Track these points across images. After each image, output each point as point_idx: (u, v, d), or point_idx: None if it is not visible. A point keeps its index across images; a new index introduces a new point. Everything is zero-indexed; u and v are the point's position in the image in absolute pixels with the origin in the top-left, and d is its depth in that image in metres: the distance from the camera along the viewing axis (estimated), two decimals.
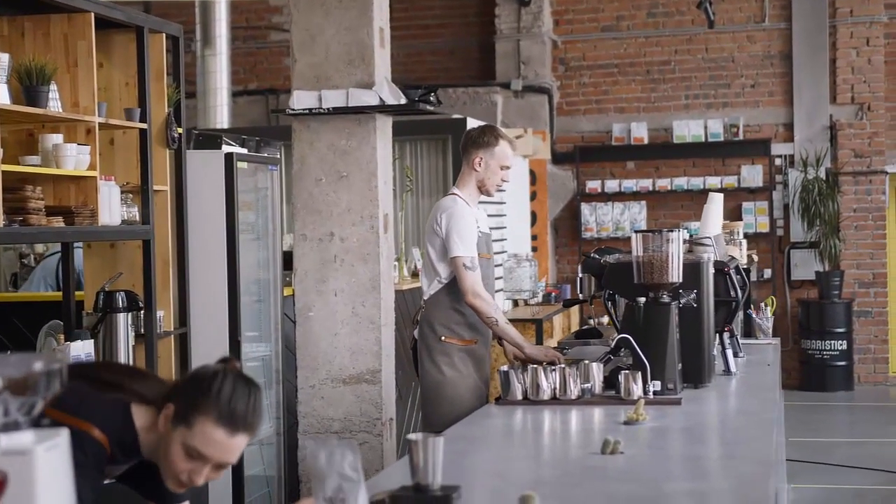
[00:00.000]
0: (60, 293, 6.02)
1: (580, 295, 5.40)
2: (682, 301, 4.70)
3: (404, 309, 7.58)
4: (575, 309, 11.32)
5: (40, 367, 1.85)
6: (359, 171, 5.75)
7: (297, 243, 5.85)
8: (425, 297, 5.54)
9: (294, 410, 6.06)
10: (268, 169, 7.14)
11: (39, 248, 8.44)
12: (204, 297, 6.46)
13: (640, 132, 13.20)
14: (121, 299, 5.72)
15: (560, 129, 13.46)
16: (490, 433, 4.08)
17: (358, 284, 5.76)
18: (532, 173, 12.64)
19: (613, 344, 4.63)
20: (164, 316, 6.14)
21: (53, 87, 5.24)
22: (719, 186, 12.75)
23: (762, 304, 6.77)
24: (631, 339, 4.50)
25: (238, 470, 6.59)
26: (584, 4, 13.45)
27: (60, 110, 5.30)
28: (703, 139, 13.06)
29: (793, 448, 9.08)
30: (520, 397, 4.46)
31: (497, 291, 10.18)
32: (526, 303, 10.68)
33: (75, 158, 5.30)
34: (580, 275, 5.33)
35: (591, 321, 10.24)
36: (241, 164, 6.68)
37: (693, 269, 4.74)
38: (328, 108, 5.71)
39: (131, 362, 5.78)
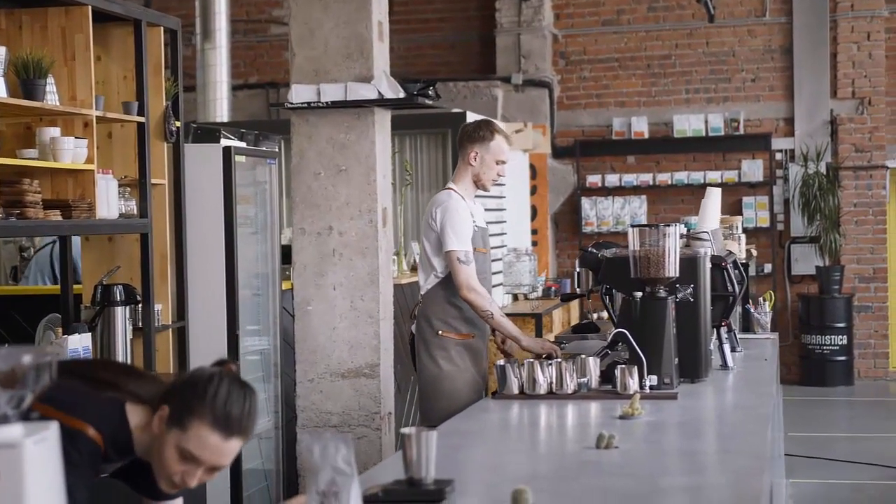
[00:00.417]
0: (59, 287, 6.02)
1: (577, 289, 5.40)
2: (679, 296, 4.70)
3: (403, 303, 7.57)
4: (575, 303, 11.33)
5: (29, 360, 1.85)
6: (357, 165, 5.75)
7: (295, 237, 5.85)
8: (422, 292, 5.54)
9: (292, 404, 6.06)
10: (266, 163, 7.13)
11: (39, 241, 8.45)
12: (202, 291, 6.46)
13: (641, 126, 13.19)
14: (119, 293, 5.71)
15: (560, 123, 13.46)
16: (486, 427, 4.08)
17: (356, 278, 5.76)
18: (532, 167, 12.63)
19: (610, 338, 4.63)
20: (162, 309, 6.14)
21: (51, 80, 5.23)
22: (720, 181, 12.75)
23: (760, 299, 6.76)
24: (627, 333, 4.50)
25: (236, 464, 6.59)
26: None
27: (58, 104, 5.30)
28: (704, 134, 13.05)
29: (792, 443, 9.08)
30: (516, 392, 4.46)
31: (497, 286, 10.19)
32: (526, 297, 10.68)
33: (73, 152, 5.30)
34: (577, 269, 5.33)
35: (592, 315, 10.25)
36: (240, 158, 6.67)
37: (690, 264, 4.74)
38: (327, 102, 5.70)
39: (129, 355, 5.79)
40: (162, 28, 6.21)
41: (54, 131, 5.31)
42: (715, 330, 5.21)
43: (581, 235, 13.06)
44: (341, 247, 5.76)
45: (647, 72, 13.35)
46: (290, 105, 5.76)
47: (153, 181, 6.01)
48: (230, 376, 2.82)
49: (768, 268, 12.87)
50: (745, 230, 11.86)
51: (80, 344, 5.42)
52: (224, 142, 6.83)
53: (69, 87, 5.45)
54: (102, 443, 2.76)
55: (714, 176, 12.86)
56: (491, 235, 10.09)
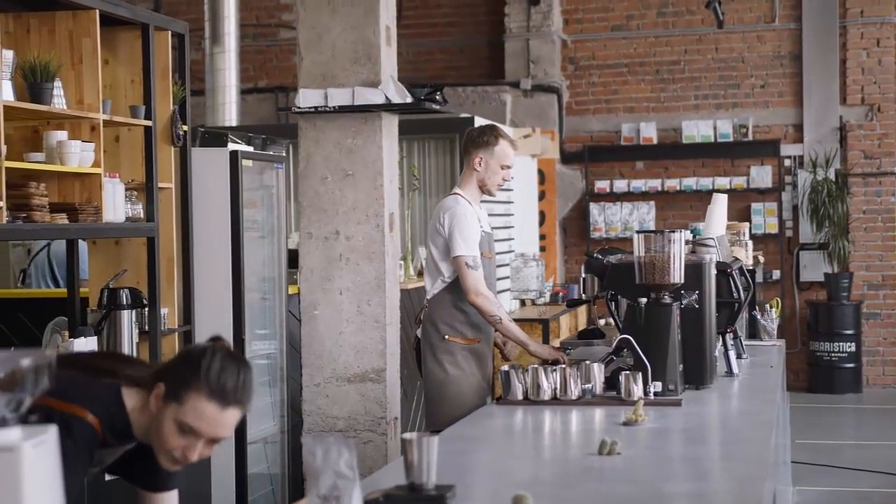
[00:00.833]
0: (65, 290, 6.03)
1: (583, 295, 5.40)
2: (684, 302, 4.69)
3: (410, 308, 7.58)
4: (582, 309, 11.30)
5: (28, 363, 1.85)
6: (364, 170, 5.75)
7: (302, 241, 5.85)
8: (428, 297, 5.55)
9: (298, 409, 6.07)
10: (273, 167, 7.14)
11: (35, 246, 8.47)
12: (208, 295, 6.47)
13: (650, 132, 13.18)
14: (125, 296, 5.73)
15: (569, 128, 13.45)
16: (489, 433, 4.08)
17: (363, 283, 5.76)
18: (541, 173, 12.63)
19: (614, 345, 4.62)
20: (169, 313, 6.15)
21: (58, 83, 5.25)
22: (728, 187, 12.73)
23: (767, 306, 6.74)
24: (632, 339, 4.49)
25: (241, 468, 6.60)
26: (593, 4, 13.43)
27: (65, 107, 5.31)
28: (713, 139, 13.03)
29: (799, 450, 9.06)
30: (520, 397, 4.46)
31: (504, 291, 10.18)
32: (533, 302, 10.67)
33: (79, 155, 5.31)
34: (583, 275, 5.33)
35: (601, 321, 10.24)
36: (247, 162, 6.68)
37: (695, 270, 4.74)
38: (334, 107, 5.70)
39: None
40: (170, 32, 6.23)
41: (61, 135, 5.33)
42: (720, 336, 5.20)
43: (589, 241, 13.04)
44: (348, 251, 5.76)
45: (656, 77, 13.34)
46: (297, 109, 5.77)
47: (160, 185, 6.02)
48: (223, 350, 2.86)
49: (777, 274, 12.85)
50: (753, 236, 11.87)
51: (86, 347, 5.43)
52: (231, 146, 6.84)
53: (76, 91, 5.47)
54: (100, 427, 2.79)
55: (723, 182, 12.84)
56: (499, 241, 10.13)
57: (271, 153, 7.47)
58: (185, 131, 6.23)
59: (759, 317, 6.64)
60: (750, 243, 6.99)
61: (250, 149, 7.11)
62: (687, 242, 5.04)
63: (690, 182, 13.01)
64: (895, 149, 12.86)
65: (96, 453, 2.84)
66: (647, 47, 13.36)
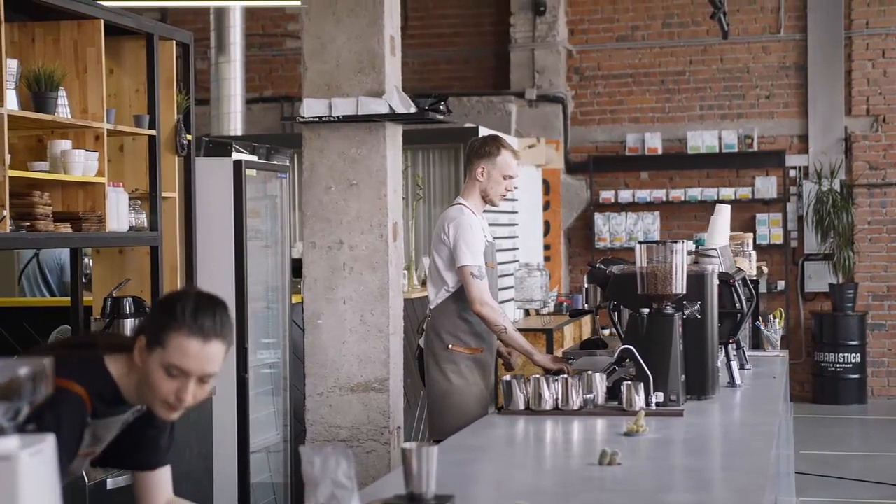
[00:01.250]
0: (69, 299, 6.04)
1: (586, 305, 5.40)
2: (686, 312, 4.69)
3: (413, 317, 7.57)
4: (587, 319, 11.30)
5: (26, 371, 1.86)
6: (368, 180, 5.75)
7: (306, 251, 5.86)
8: (432, 306, 5.55)
9: (301, 418, 6.07)
10: (278, 176, 7.15)
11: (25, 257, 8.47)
12: None
13: (655, 142, 13.18)
14: (128, 305, 5.73)
15: (574, 138, 13.46)
16: (490, 443, 4.08)
17: (367, 293, 5.76)
18: (546, 183, 12.63)
19: (616, 355, 4.62)
20: None
21: (62, 93, 5.26)
22: (733, 197, 12.73)
23: (770, 316, 6.74)
24: (634, 350, 4.49)
25: (244, 477, 6.60)
26: (599, 14, 13.45)
27: (69, 116, 5.33)
28: (718, 150, 13.03)
29: (804, 461, 9.05)
30: (522, 407, 4.45)
31: (508, 301, 10.18)
32: (537, 312, 10.67)
33: (83, 164, 5.32)
34: (586, 285, 5.33)
35: (605, 331, 10.24)
36: (251, 172, 6.69)
37: (697, 281, 4.74)
38: (338, 116, 5.71)
39: None
40: (174, 42, 6.24)
41: (65, 144, 5.34)
42: (723, 347, 5.20)
43: (594, 251, 13.04)
44: (352, 261, 5.76)
45: (662, 88, 13.35)
46: (301, 119, 5.77)
47: (164, 194, 6.04)
48: (196, 292, 2.91)
49: (781, 285, 12.84)
50: (758, 247, 11.86)
51: None
52: (236, 155, 6.85)
53: (81, 100, 5.49)
54: (87, 396, 2.82)
55: (728, 192, 12.84)
56: (503, 250, 10.14)
57: (275, 162, 7.48)
58: (189, 140, 6.24)
59: (762, 327, 6.63)
60: (754, 254, 6.98)
61: (254, 158, 7.12)
62: (689, 253, 5.04)
63: (695, 192, 13.01)
64: None
65: (90, 426, 2.86)
66: (652, 58, 13.37)
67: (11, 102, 4.97)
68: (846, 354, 12.45)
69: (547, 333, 9.34)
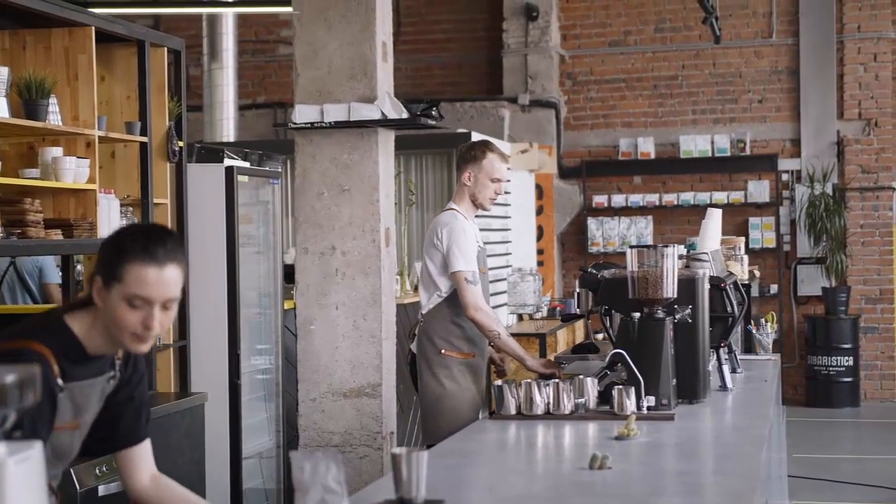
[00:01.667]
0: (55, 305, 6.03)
1: (577, 310, 5.41)
2: (677, 316, 4.70)
3: (406, 322, 7.58)
4: (581, 323, 11.32)
5: (12, 378, 1.86)
6: (361, 185, 5.76)
7: (298, 257, 5.86)
8: (424, 311, 5.56)
9: (294, 424, 6.07)
10: (269, 182, 7.15)
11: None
12: (204, 310, 6.48)
13: (647, 147, 13.20)
14: None
15: (567, 143, 13.47)
16: (482, 448, 4.08)
17: (359, 298, 5.76)
18: (539, 188, 12.65)
19: (608, 359, 4.63)
20: None
21: (53, 100, 5.27)
22: (726, 202, 12.75)
23: (762, 320, 6.75)
24: (625, 354, 4.49)
25: (237, 483, 6.60)
26: (591, 19, 13.47)
27: (60, 123, 5.33)
28: (710, 154, 13.06)
29: (797, 464, 9.05)
30: (513, 412, 4.46)
31: (501, 306, 10.19)
32: (531, 317, 10.68)
33: (74, 171, 5.32)
34: (577, 290, 5.34)
35: (599, 336, 10.25)
36: (242, 178, 6.70)
37: (688, 285, 4.74)
38: (330, 122, 5.72)
39: None
40: (166, 48, 6.25)
41: (56, 151, 5.34)
42: (714, 351, 5.21)
43: (587, 255, 13.05)
44: (344, 266, 5.77)
45: (654, 92, 13.37)
46: (293, 125, 5.78)
47: (156, 201, 6.04)
48: (140, 224, 3.02)
49: (774, 288, 12.86)
50: (751, 251, 11.88)
51: None
52: (228, 161, 6.85)
53: (72, 107, 5.49)
54: (52, 355, 2.84)
55: (720, 196, 12.86)
56: (496, 255, 10.15)
57: (267, 169, 7.48)
58: (180, 147, 6.25)
59: (754, 331, 6.64)
60: (745, 258, 6.99)
61: (246, 164, 7.12)
62: (681, 257, 5.05)
63: (688, 196, 13.03)
64: (892, 163, 12.88)
65: (64, 391, 2.86)
66: (644, 62, 13.39)
67: (2, 110, 4.98)
68: (839, 358, 12.47)
69: (540, 338, 9.35)
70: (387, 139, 5.90)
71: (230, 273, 6.56)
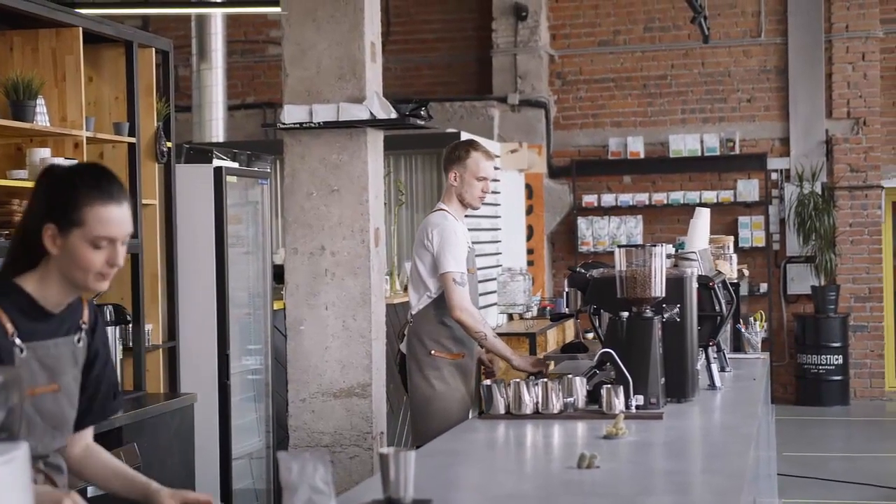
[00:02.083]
0: None
1: (566, 309, 5.42)
2: (666, 316, 4.70)
3: (396, 322, 7.58)
4: (571, 323, 11.33)
5: None
6: (350, 185, 5.76)
7: (288, 257, 5.86)
8: (413, 311, 5.56)
9: (284, 424, 6.07)
10: (258, 183, 7.15)
11: None
12: (193, 311, 6.48)
13: (637, 146, 13.22)
14: (109, 313, 5.73)
15: (557, 143, 13.49)
16: (470, 447, 4.08)
17: (349, 298, 5.76)
18: (528, 187, 12.66)
19: (596, 358, 4.63)
20: (153, 329, 6.15)
21: (41, 101, 5.26)
22: (715, 201, 12.77)
23: (751, 319, 6.76)
24: (613, 353, 4.50)
25: (227, 484, 6.60)
26: (580, 19, 13.49)
27: (48, 124, 5.32)
28: (700, 153, 13.08)
29: (787, 462, 9.07)
30: (502, 411, 4.46)
31: (490, 305, 10.20)
32: (521, 317, 10.69)
33: None
34: (566, 289, 5.34)
35: (588, 335, 10.26)
36: (231, 178, 6.70)
37: (676, 284, 4.75)
38: (319, 123, 5.71)
39: (120, 376, 5.80)
40: (154, 49, 6.24)
41: (45, 152, 5.33)
42: (703, 350, 5.21)
43: (577, 255, 13.06)
44: (333, 266, 5.77)
45: (643, 92, 13.38)
46: (282, 125, 5.78)
47: (144, 201, 6.04)
48: (80, 165, 2.97)
49: (764, 287, 12.88)
50: (740, 250, 11.91)
51: None
52: (217, 162, 6.85)
53: (60, 108, 5.48)
54: (4, 313, 2.82)
55: (710, 196, 12.89)
56: (486, 255, 10.16)
57: (256, 169, 7.48)
58: (169, 148, 6.24)
59: (743, 330, 6.65)
60: (734, 257, 6.99)
61: (235, 165, 7.12)
62: (669, 256, 5.05)
63: (678, 196, 13.05)
64: (881, 162, 12.92)
65: (28, 351, 2.85)
66: (633, 62, 13.41)
67: None
68: (829, 356, 12.49)
69: (530, 337, 9.35)
70: (376, 139, 5.90)
71: (219, 273, 6.56)
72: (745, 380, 5.59)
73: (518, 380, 4.53)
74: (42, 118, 5.28)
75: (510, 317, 10.69)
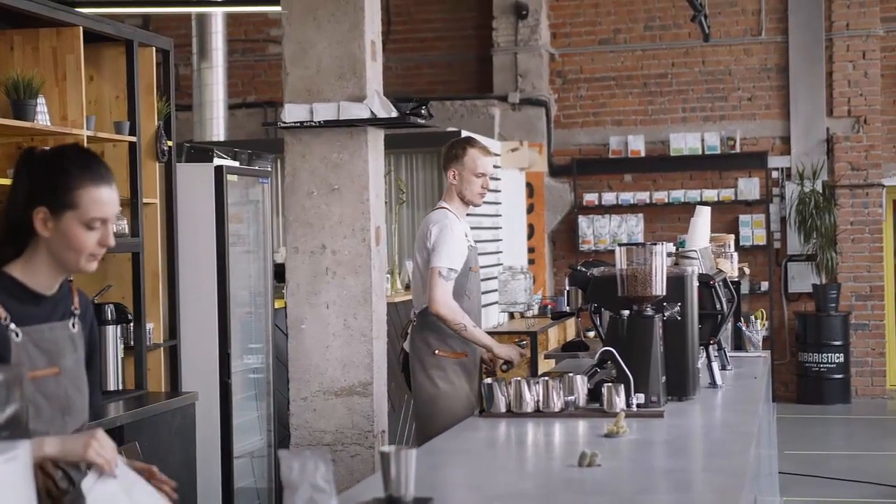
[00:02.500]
0: None
1: (567, 308, 5.42)
2: (666, 314, 4.70)
3: (397, 321, 7.58)
4: (571, 321, 11.33)
5: None
6: (350, 184, 5.76)
7: (289, 256, 5.86)
8: (417, 310, 5.57)
9: (286, 423, 6.07)
10: (259, 181, 7.15)
11: None
12: (194, 310, 6.48)
13: (638, 145, 13.21)
14: (110, 312, 5.73)
15: (557, 141, 13.49)
16: (471, 445, 4.09)
17: (349, 297, 5.77)
18: (529, 186, 12.65)
19: (597, 357, 4.63)
20: (154, 328, 6.15)
21: (41, 100, 5.26)
22: (716, 199, 12.77)
23: (752, 317, 6.76)
24: (614, 351, 4.50)
25: (228, 482, 6.60)
26: (581, 17, 13.49)
27: (48, 124, 5.32)
28: (700, 152, 13.07)
29: (788, 461, 9.07)
30: (503, 410, 4.46)
31: (492, 304, 10.20)
32: (522, 315, 10.69)
33: None
34: (567, 287, 5.35)
35: (589, 334, 10.26)
36: (232, 177, 6.70)
37: (677, 282, 4.75)
38: (320, 121, 5.72)
39: (121, 374, 5.80)
40: (154, 48, 6.24)
41: None
42: (704, 348, 5.21)
43: (578, 254, 13.06)
44: (334, 265, 5.77)
45: (644, 90, 13.38)
46: (283, 124, 5.78)
47: (145, 200, 6.04)
48: (67, 148, 2.96)
49: (765, 286, 12.87)
50: (741, 248, 11.90)
51: None
52: (217, 161, 6.85)
53: (60, 108, 5.49)
54: None
55: (710, 194, 12.88)
56: (487, 254, 10.16)
57: (257, 168, 7.48)
58: (169, 147, 6.25)
59: (744, 328, 6.65)
60: (735, 255, 6.99)
61: (236, 164, 7.12)
62: (669, 255, 5.05)
63: (678, 194, 13.05)
64: (882, 160, 12.91)
65: (24, 335, 2.85)
66: (634, 61, 13.40)
67: None
68: (830, 354, 12.49)
69: (531, 336, 9.34)
70: (376, 138, 5.90)
71: (220, 272, 6.56)
72: (746, 378, 5.59)
73: (519, 378, 4.53)
74: (43, 117, 5.28)
75: (511, 315, 10.69)
